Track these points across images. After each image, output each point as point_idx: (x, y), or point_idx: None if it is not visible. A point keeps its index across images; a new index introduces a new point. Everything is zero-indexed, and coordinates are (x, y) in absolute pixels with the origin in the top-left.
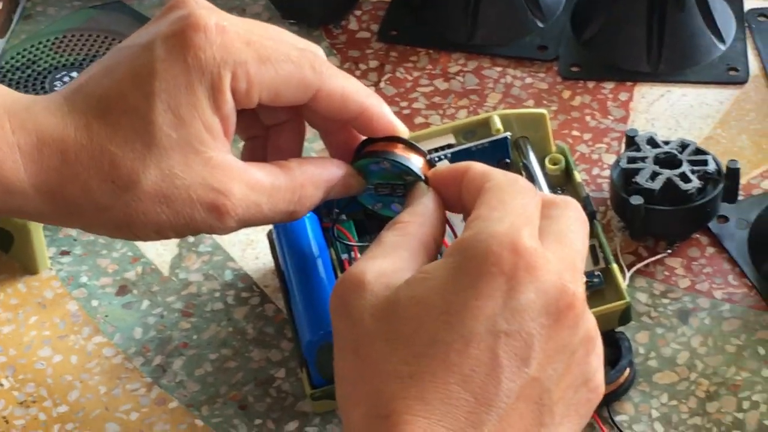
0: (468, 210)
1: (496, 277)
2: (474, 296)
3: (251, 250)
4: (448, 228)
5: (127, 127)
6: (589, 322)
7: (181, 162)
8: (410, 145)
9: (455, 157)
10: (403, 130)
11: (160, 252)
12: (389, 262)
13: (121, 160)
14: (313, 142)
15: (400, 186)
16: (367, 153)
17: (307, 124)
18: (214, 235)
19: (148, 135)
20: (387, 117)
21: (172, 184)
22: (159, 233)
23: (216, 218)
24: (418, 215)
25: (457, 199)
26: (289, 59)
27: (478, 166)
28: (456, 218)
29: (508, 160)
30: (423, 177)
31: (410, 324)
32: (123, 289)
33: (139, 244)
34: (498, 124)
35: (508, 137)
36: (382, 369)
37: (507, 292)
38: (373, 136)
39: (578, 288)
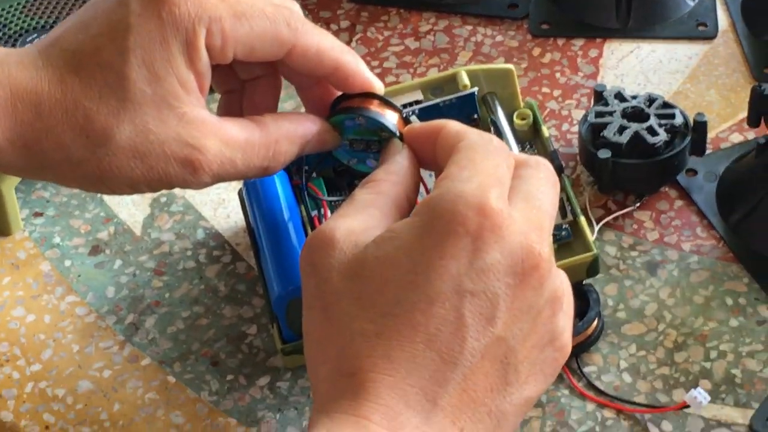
0: (441, 168)
1: (462, 237)
2: (439, 256)
3: (222, 209)
4: (421, 186)
5: (102, 82)
6: (555, 282)
7: (156, 117)
8: (385, 102)
9: (423, 114)
10: (378, 87)
11: (133, 212)
12: (359, 220)
13: (95, 114)
14: (285, 102)
15: (375, 142)
16: (342, 109)
17: (283, 79)
18: (186, 195)
19: (122, 90)
20: (363, 73)
21: (146, 140)
22: (132, 188)
23: (190, 173)
24: (392, 173)
25: (431, 157)
26: (264, 15)
27: (453, 125)
28: (430, 177)
29: (476, 116)
30: (398, 133)
31: (377, 283)
32: (95, 249)
33: (112, 204)
34: (465, 79)
35: (476, 93)
36: (348, 327)
37: (472, 252)
38: (349, 92)
39: (544, 248)
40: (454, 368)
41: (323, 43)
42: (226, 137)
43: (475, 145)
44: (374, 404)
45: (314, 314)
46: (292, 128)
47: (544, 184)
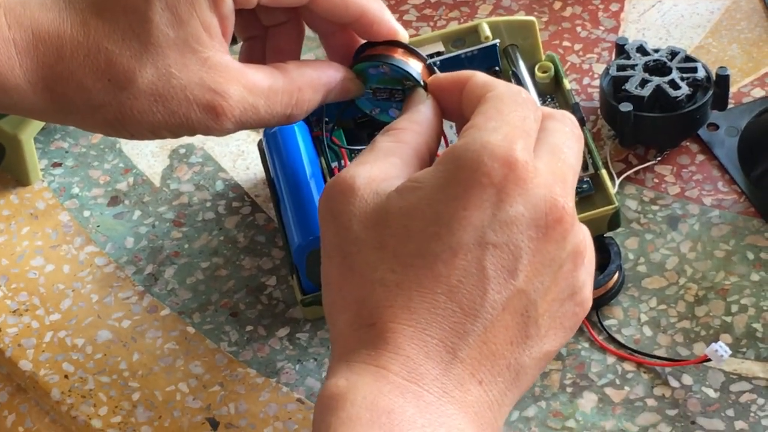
0: (466, 119)
1: (486, 188)
2: (463, 206)
3: (242, 161)
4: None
5: (125, 24)
6: (578, 236)
7: (178, 61)
8: (410, 50)
9: (444, 65)
10: (403, 35)
11: (151, 163)
12: (380, 168)
13: (117, 57)
14: (304, 54)
15: (399, 91)
16: (366, 57)
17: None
18: (205, 147)
19: (145, 33)
20: (388, 21)
21: (168, 84)
22: (153, 132)
23: (212, 119)
24: (415, 122)
25: (456, 108)
26: None
27: (480, 76)
28: (450, 128)
29: (497, 68)
30: (422, 83)
31: (399, 233)
32: (114, 200)
33: (131, 155)
34: (487, 31)
35: (497, 45)
36: (368, 277)
37: (496, 204)
38: (373, 40)
39: (568, 202)
40: (474, 320)
41: None
42: (249, 83)
43: (503, 95)
44: (394, 354)
45: (333, 262)
46: (315, 75)
47: (569, 138)
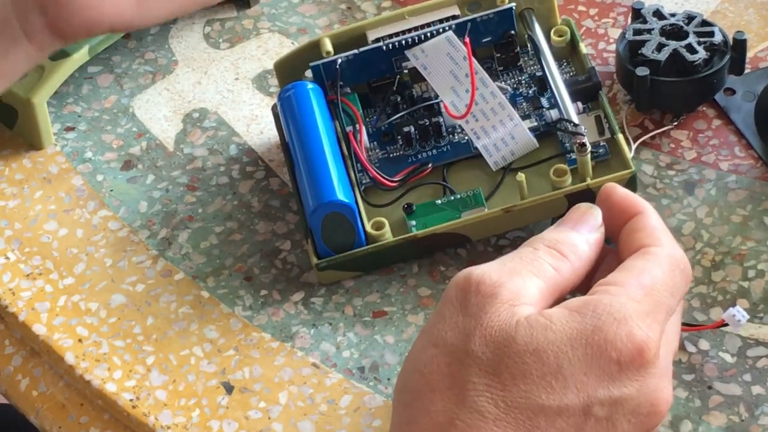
0: (616, 240)
1: (612, 362)
2: (585, 371)
3: (256, 125)
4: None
5: None
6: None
7: None
8: None
9: (459, 29)
10: None
11: (165, 127)
12: (528, 289)
13: None
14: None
15: None
16: None
17: None
18: (219, 111)
19: None
20: None
21: None
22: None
23: None
24: (579, 258)
25: (611, 226)
26: None
27: (652, 218)
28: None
29: (513, 32)
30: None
31: (515, 368)
32: (128, 164)
33: (144, 120)
34: None
35: (513, 8)
36: (469, 398)
37: (613, 380)
38: None
39: (670, 397)
40: None
41: None
42: None
43: (662, 262)
44: None
45: (437, 354)
46: None
47: (680, 321)
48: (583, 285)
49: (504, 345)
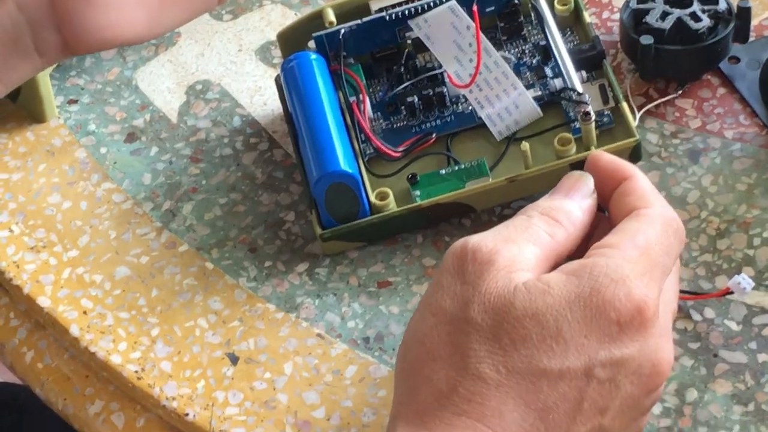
0: (606, 205)
1: (612, 323)
2: (585, 334)
3: (259, 97)
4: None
5: None
6: (663, 386)
7: None
8: None
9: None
10: None
11: (168, 99)
12: (524, 255)
13: None
14: None
15: None
16: None
17: None
18: (222, 83)
19: None
20: None
21: None
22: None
23: None
24: (573, 224)
25: (603, 192)
26: None
27: (641, 180)
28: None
29: (516, 1)
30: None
31: (515, 333)
32: (131, 137)
33: (147, 92)
34: None
35: None
36: (471, 365)
37: (614, 341)
38: None
39: (671, 357)
40: None
41: None
42: None
43: (656, 221)
44: None
45: (438, 326)
46: None
47: (677, 282)
48: (579, 251)
49: (503, 311)
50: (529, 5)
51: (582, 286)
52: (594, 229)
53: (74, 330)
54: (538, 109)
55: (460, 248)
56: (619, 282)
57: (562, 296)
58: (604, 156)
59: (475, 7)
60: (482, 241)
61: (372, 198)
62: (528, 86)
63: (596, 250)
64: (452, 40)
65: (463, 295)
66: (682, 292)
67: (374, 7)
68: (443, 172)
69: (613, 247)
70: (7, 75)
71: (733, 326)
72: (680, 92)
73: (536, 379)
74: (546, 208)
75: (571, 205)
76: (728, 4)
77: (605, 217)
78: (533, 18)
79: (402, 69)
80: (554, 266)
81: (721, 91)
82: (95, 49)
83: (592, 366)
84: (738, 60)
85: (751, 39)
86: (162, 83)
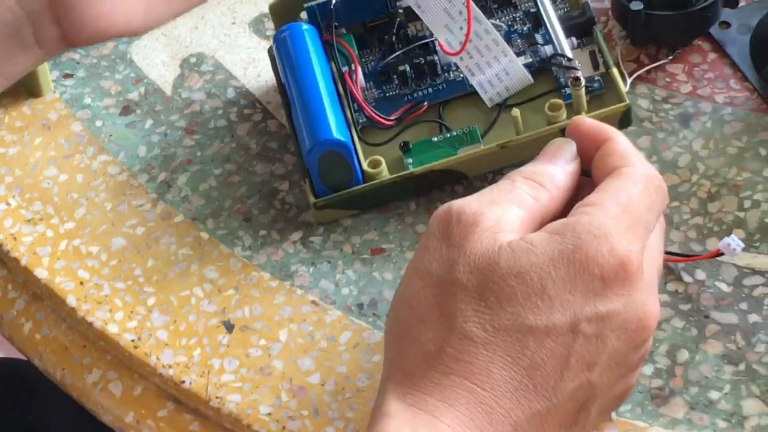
0: (588, 169)
1: (596, 279)
2: (569, 289)
3: (253, 68)
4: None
5: None
6: (651, 340)
7: None
8: None
9: None
10: None
11: (162, 72)
12: (508, 216)
13: None
14: None
15: None
16: None
17: None
18: (216, 56)
19: None
20: None
21: None
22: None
23: None
24: (556, 187)
25: (585, 157)
26: None
27: (621, 142)
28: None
29: None
30: None
31: (501, 292)
32: (126, 110)
33: (142, 65)
34: None
35: None
36: (457, 324)
37: (599, 296)
38: None
39: (657, 311)
40: (542, 401)
41: None
42: None
43: (637, 178)
44: (460, 414)
45: (425, 288)
46: None
47: (662, 240)
48: (563, 214)
49: (488, 270)
50: None
51: (565, 244)
52: (579, 192)
53: (71, 300)
54: (529, 75)
55: (444, 212)
56: (602, 238)
57: (546, 254)
58: (585, 121)
59: None
60: (466, 204)
61: (365, 166)
62: (519, 53)
63: (579, 208)
64: (443, 9)
65: (449, 257)
66: (673, 254)
67: None
68: (435, 139)
69: (596, 205)
70: (8, 68)
71: (724, 287)
72: (671, 58)
73: (523, 336)
74: (530, 173)
75: (554, 169)
76: None
77: (590, 181)
78: None
79: (393, 38)
80: (540, 227)
81: (712, 56)
82: (94, 40)
83: (577, 321)
84: (728, 25)
85: (741, 4)
86: (156, 57)
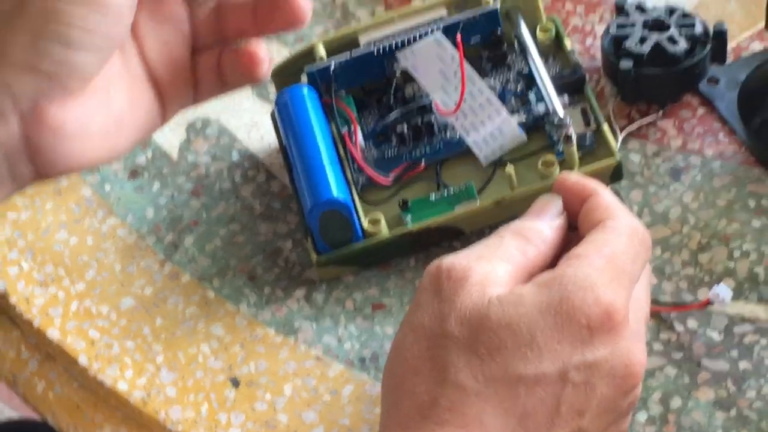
0: (574, 225)
1: (582, 328)
2: (557, 339)
3: (256, 131)
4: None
5: None
6: (639, 388)
7: None
8: None
9: (447, 31)
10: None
11: (169, 137)
12: (496, 271)
13: None
14: None
15: None
16: None
17: None
18: (220, 120)
19: None
20: None
21: None
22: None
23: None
24: (544, 242)
25: (572, 212)
26: None
27: (604, 196)
28: None
29: (499, 31)
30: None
31: (491, 343)
32: (134, 174)
33: None
34: None
35: (498, 8)
36: (450, 376)
37: (586, 345)
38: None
39: (644, 359)
40: None
41: None
42: None
43: (621, 231)
44: None
45: (417, 342)
46: None
47: (648, 290)
48: (551, 268)
49: (478, 323)
50: (512, 35)
51: (552, 295)
52: (566, 245)
53: (82, 360)
54: (523, 133)
55: (435, 268)
56: (587, 289)
57: (534, 305)
58: (571, 177)
59: (458, 37)
60: (456, 260)
61: (365, 224)
62: (513, 112)
63: (565, 261)
64: (438, 70)
65: (440, 311)
66: (665, 304)
67: (363, 41)
68: (433, 197)
69: (581, 257)
70: None
71: (715, 336)
72: (661, 113)
73: (513, 386)
74: (518, 229)
75: (542, 224)
76: (704, 26)
77: (577, 235)
78: (516, 47)
79: (391, 99)
80: (528, 280)
81: (701, 111)
82: (64, 173)
83: (566, 370)
84: (717, 81)
85: (729, 60)
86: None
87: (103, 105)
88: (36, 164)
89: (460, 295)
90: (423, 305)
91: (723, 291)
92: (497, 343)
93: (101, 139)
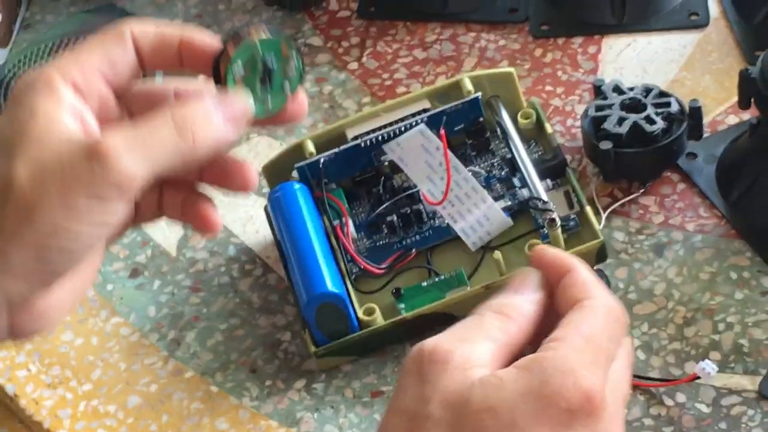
0: (555, 303)
1: (563, 411)
2: (538, 422)
3: (251, 225)
4: None
5: None
6: None
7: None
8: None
9: (432, 121)
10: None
11: (167, 235)
12: (477, 352)
13: None
14: None
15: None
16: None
17: None
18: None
19: None
20: (203, 35)
21: None
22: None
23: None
24: (524, 318)
25: (550, 284)
26: None
27: (581, 273)
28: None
29: (481, 119)
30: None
31: (473, 427)
32: (135, 272)
33: (147, 230)
34: (469, 86)
35: (479, 97)
36: None
37: (566, 428)
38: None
39: None
40: None
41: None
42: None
43: (598, 311)
44: None
45: (400, 422)
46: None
47: (628, 368)
48: (535, 342)
49: (461, 406)
50: (495, 122)
51: (533, 380)
52: (547, 319)
53: None
54: (508, 218)
55: (417, 352)
56: (567, 373)
57: (516, 390)
58: (548, 251)
59: (442, 130)
60: (437, 342)
61: (360, 314)
62: (498, 197)
63: (546, 344)
64: (424, 161)
65: (423, 393)
66: (653, 379)
67: (350, 134)
68: (425, 284)
69: (560, 340)
70: None
71: (704, 408)
72: (642, 191)
73: None
74: (497, 306)
75: (521, 299)
76: (680, 104)
77: (555, 311)
78: (499, 133)
79: (381, 190)
80: (511, 357)
81: (681, 186)
82: (32, 336)
83: None
84: (695, 156)
85: (706, 135)
86: (160, 220)
87: (84, 278)
88: (12, 335)
89: (443, 377)
90: (406, 388)
91: (708, 366)
92: (480, 427)
93: (73, 303)
